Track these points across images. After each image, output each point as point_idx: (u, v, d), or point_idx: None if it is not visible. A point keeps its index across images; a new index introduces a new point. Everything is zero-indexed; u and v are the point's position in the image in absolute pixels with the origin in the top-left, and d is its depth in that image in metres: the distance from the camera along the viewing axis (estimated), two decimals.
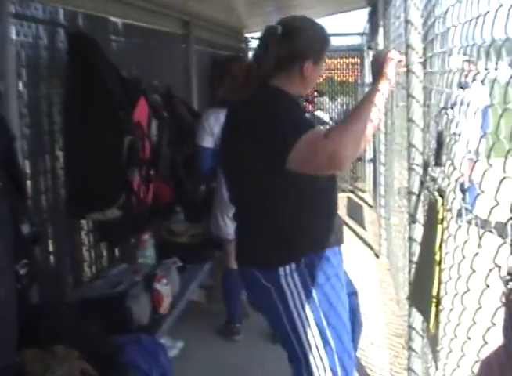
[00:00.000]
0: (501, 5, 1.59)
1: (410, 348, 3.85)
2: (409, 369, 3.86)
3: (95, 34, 4.82)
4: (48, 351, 3.09)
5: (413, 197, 3.52)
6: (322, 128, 4.58)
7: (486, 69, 1.90)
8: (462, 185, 7.04)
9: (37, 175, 4.31)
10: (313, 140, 2.59)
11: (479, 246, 1.92)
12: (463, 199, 6.26)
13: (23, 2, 4.23)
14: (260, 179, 2.87)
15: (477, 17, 1.89)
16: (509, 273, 1.47)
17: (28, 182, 4.09)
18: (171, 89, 6.10)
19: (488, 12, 1.73)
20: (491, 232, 1.90)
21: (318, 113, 12.03)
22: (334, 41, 13.60)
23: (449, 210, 2.45)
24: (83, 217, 4.65)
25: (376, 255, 7.65)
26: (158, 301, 4.14)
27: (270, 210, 2.90)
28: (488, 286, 1.86)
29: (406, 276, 4.21)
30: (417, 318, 3.65)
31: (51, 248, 4.43)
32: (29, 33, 4.34)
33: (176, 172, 5.63)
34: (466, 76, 2.50)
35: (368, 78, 10.64)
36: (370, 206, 10.40)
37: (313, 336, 2.92)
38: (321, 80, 12.80)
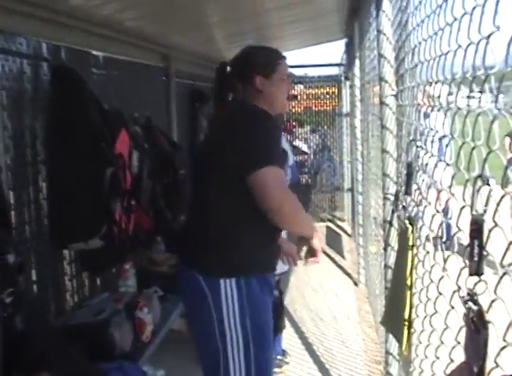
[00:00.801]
0: (459, 46, 1.71)
1: (388, 374, 3.93)
2: None
3: (77, 67, 4.91)
4: None
5: (387, 226, 3.62)
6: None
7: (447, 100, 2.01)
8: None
9: (21, 206, 4.38)
10: (281, 179, 2.96)
11: (444, 269, 2.02)
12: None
13: (8, 37, 4.33)
14: (219, 188, 3.12)
15: (440, 55, 2.01)
16: (468, 294, 1.57)
17: (12, 213, 4.17)
18: (151, 121, 6.19)
19: (449, 51, 1.85)
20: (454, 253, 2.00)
21: (297, 142, 12.15)
22: (313, 72, 13.75)
23: (418, 237, 2.56)
24: (66, 247, 4.71)
25: (355, 283, 7.73)
26: (140, 329, 4.20)
27: (222, 225, 3.09)
28: (452, 307, 1.96)
29: (383, 302, 4.29)
30: (394, 343, 3.74)
31: (34, 277, 4.49)
32: (13, 66, 4.44)
33: (156, 203, 5.70)
34: (431, 108, 2.62)
35: (345, 109, 10.79)
36: (349, 235, 10.48)
37: (238, 352, 3.07)
38: (299, 110, 12.96)
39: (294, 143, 11.90)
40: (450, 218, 4.94)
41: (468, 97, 1.94)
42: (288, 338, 5.75)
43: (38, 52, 4.78)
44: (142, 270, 5.45)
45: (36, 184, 4.59)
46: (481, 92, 1.72)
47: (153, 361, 4.84)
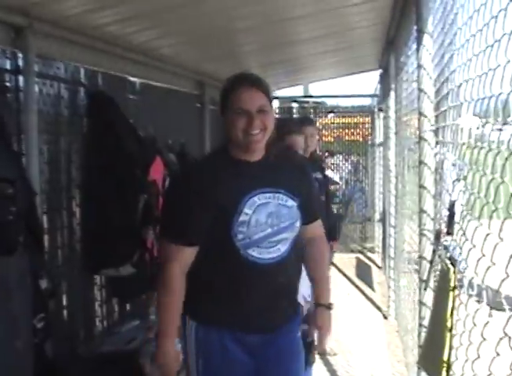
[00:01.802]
0: None
1: None
2: None
3: (113, 92, 4.95)
4: None
5: (424, 262, 3.58)
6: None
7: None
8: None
9: (55, 230, 4.39)
10: (165, 257, 2.83)
11: (490, 315, 1.98)
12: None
13: (47, 62, 4.37)
14: None
15: (490, 97, 1.97)
16: None
17: (45, 237, 4.17)
18: (185, 148, 6.20)
19: (501, 93, 1.82)
20: (501, 305, 1.96)
21: (328, 172, 12.11)
22: (345, 102, 13.78)
23: (461, 279, 2.51)
24: (97, 273, 4.71)
25: (385, 317, 7.65)
26: None
27: (190, 272, 2.87)
28: (498, 354, 1.91)
29: (416, 338, 4.23)
30: None
31: (64, 302, 4.48)
32: (51, 91, 4.47)
33: None
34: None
35: (378, 139, 10.76)
36: (379, 267, 10.40)
37: None
38: (331, 139, 12.93)
39: (325, 173, 11.87)
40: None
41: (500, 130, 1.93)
42: (316, 370, 5.69)
43: (76, 76, 4.82)
44: None
45: (70, 209, 4.61)
46: None
47: None
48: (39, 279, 3.44)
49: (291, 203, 2.89)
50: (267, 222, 2.81)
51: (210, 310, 2.90)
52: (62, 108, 4.65)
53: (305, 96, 13.38)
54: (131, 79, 5.82)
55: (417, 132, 3.85)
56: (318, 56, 8.38)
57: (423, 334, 3.39)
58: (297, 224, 2.93)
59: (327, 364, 5.99)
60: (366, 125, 12.62)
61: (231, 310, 2.89)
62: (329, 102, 13.77)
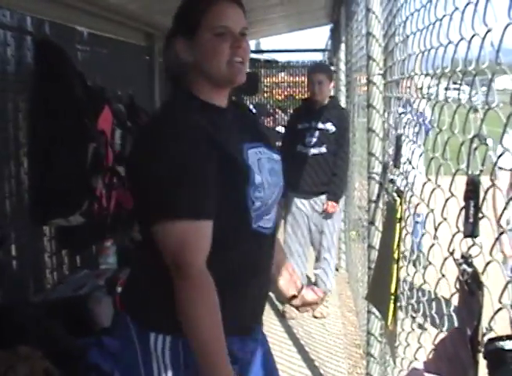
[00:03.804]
0: (456, 8, 1.68)
1: (369, 354, 3.91)
2: (368, 374, 3.92)
3: (61, 42, 4.86)
4: (11, 351, 3.11)
5: (373, 205, 3.60)
6: None
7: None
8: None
9: (2, 180, 4.33)
10: (188, 242, 1.90)
11: (435, 237, 2.00)
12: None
13: None
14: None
15: (434, 22, 1.97)
16: (462, 256, 1.55)
17: None
18: (134, 100, 6.13)
19: (444, 16, 1.81)
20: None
21: (279, 128, 12.14)
22: (296, 58, 13.79)
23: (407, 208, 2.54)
24: (46, 223, 4.66)
25: (336, 269, 7.72)
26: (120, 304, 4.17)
27: (153, 256, 2.00)
28: (443, 275, 1.93)
29: (365, 285, 4.27)
30: (376, 324, 3.72)
31: (13, 253, 4.44)
32: None
33: None
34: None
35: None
36: None
37: None
38: (282, 97, 12.94)
39: (277, 129, 11.92)
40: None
41: (446, 89, 1.94)
42: (269, 321, 5.74)
43: (22, 24, 4.72)
44: (124, 249, 5.42)
45: (18, 158, 4.54)
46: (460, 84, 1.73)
47: None
48: None
49: (276, 156, 2.21)
50: (273, 180, 2.11)
51: None
52: (8, 57, 4.56)
53: (256, 51, 13.39)
54: (80, 29, 5.72)
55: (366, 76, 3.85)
56: (268, 8, 8.34)
57: (373, 270, 3.41)
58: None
59: (278, 315, 6.03)
60: None
61: (233, 312, 2.04)
62: (281, 58, 13.75)
